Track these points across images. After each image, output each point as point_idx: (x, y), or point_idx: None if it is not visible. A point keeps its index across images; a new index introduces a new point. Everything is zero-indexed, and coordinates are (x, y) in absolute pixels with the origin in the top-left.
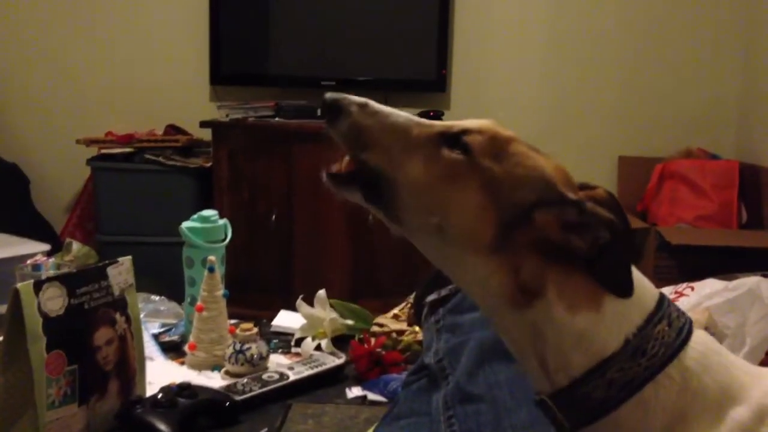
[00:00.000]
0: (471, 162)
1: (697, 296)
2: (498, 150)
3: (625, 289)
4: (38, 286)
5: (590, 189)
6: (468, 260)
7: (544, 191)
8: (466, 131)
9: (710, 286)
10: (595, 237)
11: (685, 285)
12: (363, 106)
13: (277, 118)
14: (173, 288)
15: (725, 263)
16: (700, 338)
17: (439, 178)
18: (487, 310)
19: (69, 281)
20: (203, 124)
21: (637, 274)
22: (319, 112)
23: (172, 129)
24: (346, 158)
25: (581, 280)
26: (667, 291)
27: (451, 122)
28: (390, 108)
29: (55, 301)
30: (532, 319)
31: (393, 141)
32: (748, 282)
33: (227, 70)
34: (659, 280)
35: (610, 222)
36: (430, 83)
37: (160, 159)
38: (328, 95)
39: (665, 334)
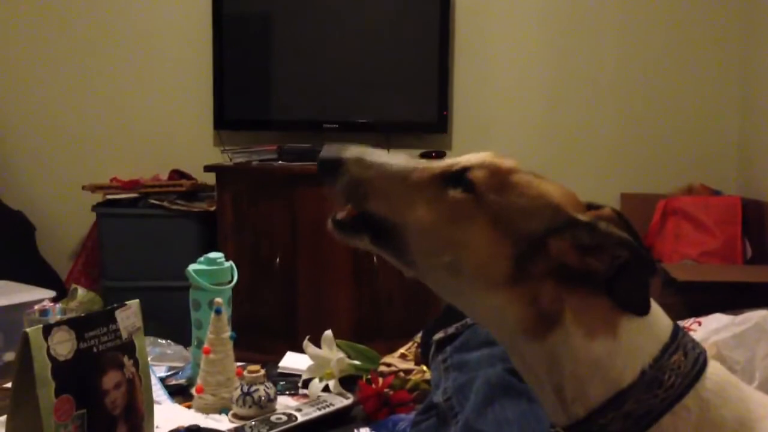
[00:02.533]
0: (477, 199)
1: (704, 331)
2: (501, 183)
3: (644, 306)
4: (47, 330)
5: (597, 209)
6: (483, 295)
7: (554, 217)
8: (467, 168)
9: (717, 320)
10: (613, 257)
11: (692, 320)
12: (359, 160)
13: (280, 162)
14: (178, 332)
15: (732, 299)
16: (715, 369)
17: (448, 219)
18: (504, 342)
19: (78, 325)
20: (207, 169)
21: (652, 304)
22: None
23: (177, 174)
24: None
25: (597, 305)
26: None
27: (451, 160)
28: (386, 154)
29: (64, 345)
30: (550, 348)
31: (395, 189)
32: (755, 316)
33: (231, 115)
34: None
35: (626, 241)
36: (431, 125)
37: (165, 204)
38: (323, 153)
39: (681, 364)
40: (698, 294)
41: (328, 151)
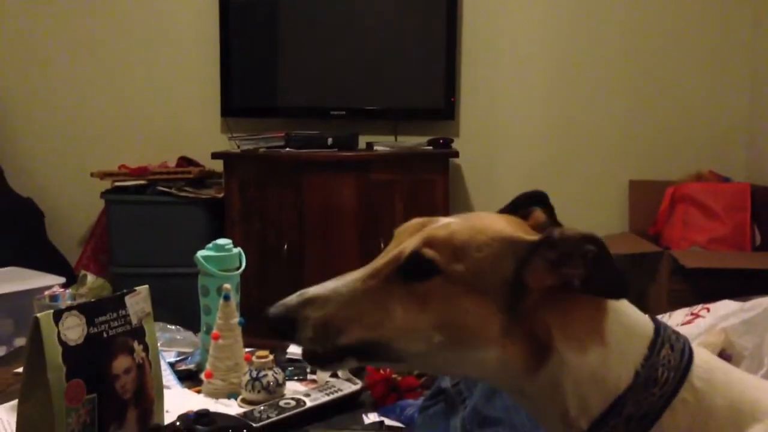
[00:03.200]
0: (444, 278)
1: (713, 317)
2: (453, 249)
3: (621, 288)
4: (58, 315)
5: (528, 215)
6: (482, 355)
7: (516, 251)
8: (416, 254)
9: (726, 307)
10: (583, 256)
11: (700, 306)
12: (309, 302)
13: (287, 148)
14: (187, 318)
15: (740, 286)
16: (702, 356)
17: (427, 310)
18: (507, 387)
19: (88, 310)
20: (215, 156)
21: (627, 303)
22: (329, 140)
23: (184, 161)
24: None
25: (577, 316)
26: (683, 313)
27: (391, 254)
28: (327, 283)
29: (74, 330)
30: (550, 377)
31: (361, 311)
32: (764, 302)
33: (238, 102)
34: (674, 304)
35: (586, 235)
36: (438, 111)
37: (173, 191)
38: (271, 315)
39: (671, 358)
40: (707, 281)
41: (275, 311)
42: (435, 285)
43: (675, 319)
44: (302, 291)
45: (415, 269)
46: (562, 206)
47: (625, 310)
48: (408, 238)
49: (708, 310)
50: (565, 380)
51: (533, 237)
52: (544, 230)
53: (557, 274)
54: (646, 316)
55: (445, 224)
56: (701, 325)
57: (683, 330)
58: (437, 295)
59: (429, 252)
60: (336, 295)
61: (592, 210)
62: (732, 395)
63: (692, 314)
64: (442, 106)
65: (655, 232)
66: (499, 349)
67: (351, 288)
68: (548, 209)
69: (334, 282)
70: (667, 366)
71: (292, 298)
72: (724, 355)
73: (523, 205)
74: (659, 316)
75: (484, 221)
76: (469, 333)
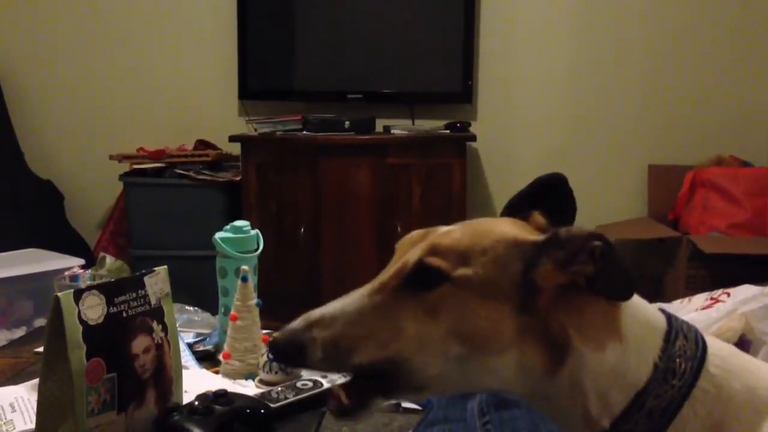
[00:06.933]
0: (453, 285)
1: (733, 302)
2: (459, 254)
3: (628, 288)
4: (78, 294)
5: (527, 217)
6: (498, 362)
7: (523, 252)
8: (421, 263)
9: (746, 291)
10: (590, 253)
11: (720, 291)
12: (313, 324)
13: (304, 132)
14: (204, 300)
15: (760, 272)
16: (715, 344)
17: (440, 320)
18: (528, 393)
19: (108, 290)
20: (232, 139)
21: (639, 297)
22: (346, 124)
23: (202, 144)
24: (337, 385)
25: (592, 314)
26: (702, 298)
27: (394, 267)
28: (332, 303)
29: (94, 309)
30: (568, 377)
31: (372, 327)
32: None
33: (255, 85)
34: (692, 290)
35: (592, 233)
36: (455, 95)
37: (191, 173)
38: (277, 343)
39: (686, 348)
40: (725, 266)
41: (280, 336)
42: (444, 292)
43: (694, 304)
44: (306, 314)
45: (421, 279)
46: (581, 190)
47: (637, 303)
48: (410, 249)
49: (728, 294)
50: (585, 379)
51: (539, 237)
52: (545, 232)
53: (567, 273)
54: (656, 308)
55: (447, 231)
56: (721, 309)
57: (702, 314)
58: (447, 302)
59: (434, 260)
60: (342, 313)
61: (610, 194)
62: (748, 381)
63: (712, 299)
64: (459, 90)
65: (674, 217)
66: (517, 353)
67: (358, 305)
68: (567, 193)
69: (340, 301)
70: (684, 356)
71: (297, 322)
72: (744, 340)
73: (541, 189)
74: (677, 301)
75: (487, 225)
76: (484, 338)
